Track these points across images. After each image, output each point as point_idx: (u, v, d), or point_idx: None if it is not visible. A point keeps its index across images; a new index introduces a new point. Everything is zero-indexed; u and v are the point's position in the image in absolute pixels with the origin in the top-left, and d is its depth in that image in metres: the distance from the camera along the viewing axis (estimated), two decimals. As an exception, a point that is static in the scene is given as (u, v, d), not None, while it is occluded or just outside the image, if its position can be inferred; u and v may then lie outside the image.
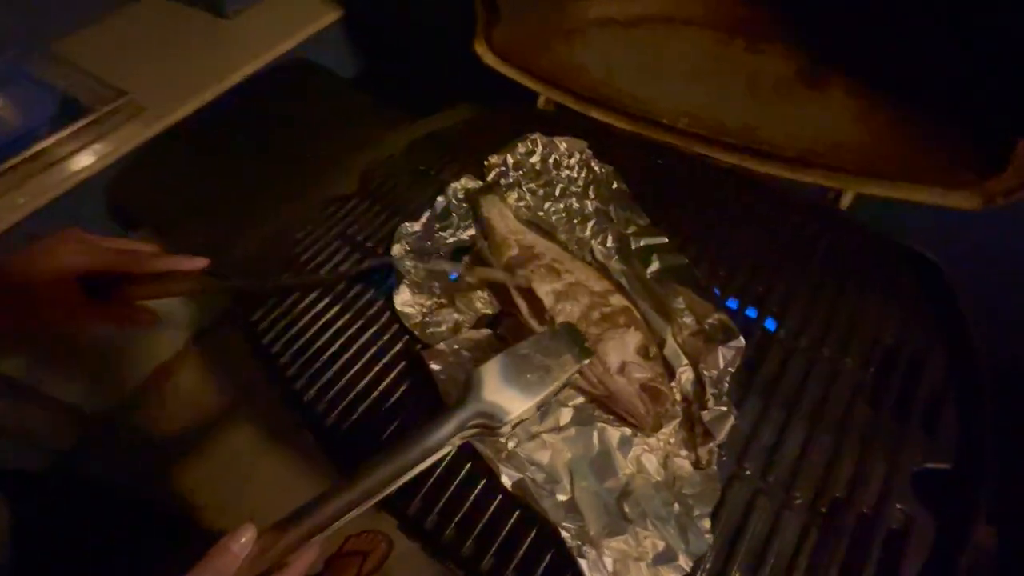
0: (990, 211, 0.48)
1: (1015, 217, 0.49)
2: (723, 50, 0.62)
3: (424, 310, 0.49)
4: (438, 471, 0.41)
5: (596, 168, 0.60)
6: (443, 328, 0.48)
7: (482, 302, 0.50)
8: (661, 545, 0.36)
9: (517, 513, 0.39)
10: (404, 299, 0.49)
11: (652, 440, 0.41)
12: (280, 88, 0.94)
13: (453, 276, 0.51)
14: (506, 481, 0.38)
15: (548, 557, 0.37)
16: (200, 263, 0.42)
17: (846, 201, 0.54)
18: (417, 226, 0.56)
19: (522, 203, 0.58)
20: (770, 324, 0.48)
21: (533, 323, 0.46)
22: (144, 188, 0.84)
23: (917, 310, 0.46)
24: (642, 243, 0.52)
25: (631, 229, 0.54)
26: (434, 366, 0.44)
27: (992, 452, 0.37)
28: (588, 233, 0.56)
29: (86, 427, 1.09)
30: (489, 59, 0.71)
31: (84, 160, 0.81)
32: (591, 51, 0.69)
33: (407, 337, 0.49)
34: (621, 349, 0.42)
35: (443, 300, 0.50)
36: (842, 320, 0.46)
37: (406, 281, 0.50)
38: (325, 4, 1.05)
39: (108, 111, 0.86)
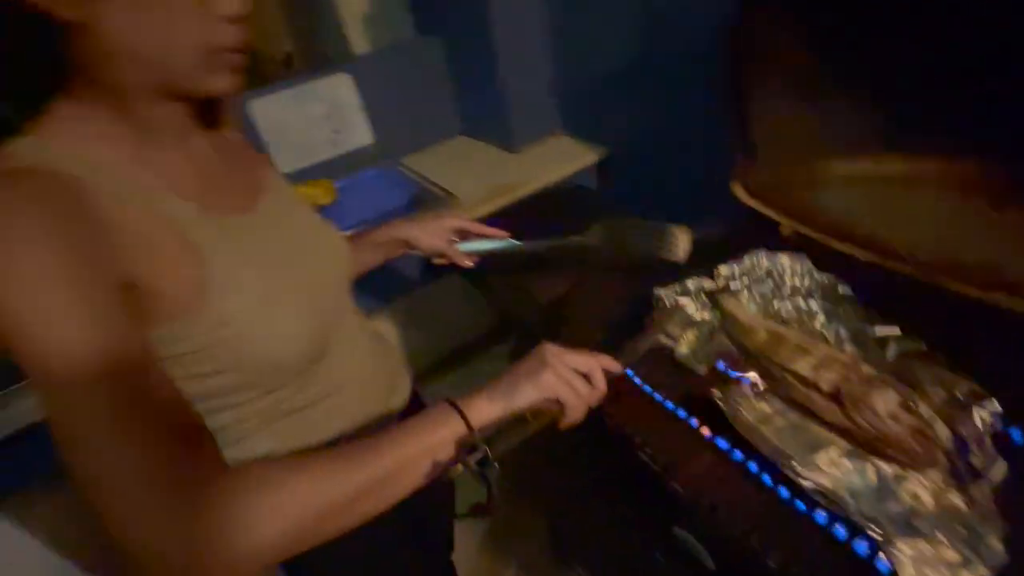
0: None
1: None
2: (963, 206, 0.75)
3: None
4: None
5: (818, 276, 0.71)
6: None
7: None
8: (956, 556, 0.42)
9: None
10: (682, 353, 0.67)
11: (925, 480, 0.49)
12: (559, 203, 1.28)
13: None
14: (808, 485, 0.49)
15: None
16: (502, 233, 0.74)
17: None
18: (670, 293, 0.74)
19: (753, 303, 0.72)
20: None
21: (804, 391, 0.58)
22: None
23: None
24: (876, 333, 0.62)
25: (862, 323, 0.63)
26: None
27: None
28: (819, 326, 0.65)
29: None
30: (743, 196, 0.94)
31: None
32: (833, 197, 0.87)
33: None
34: (887, 401, 0.53)
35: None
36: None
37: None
38: (588, 146, 1.41)
39: (440, 204, 1.26)
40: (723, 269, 0.77)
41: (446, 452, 0.42)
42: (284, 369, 0.47)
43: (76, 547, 1.04)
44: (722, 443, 0.58)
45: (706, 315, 0.72)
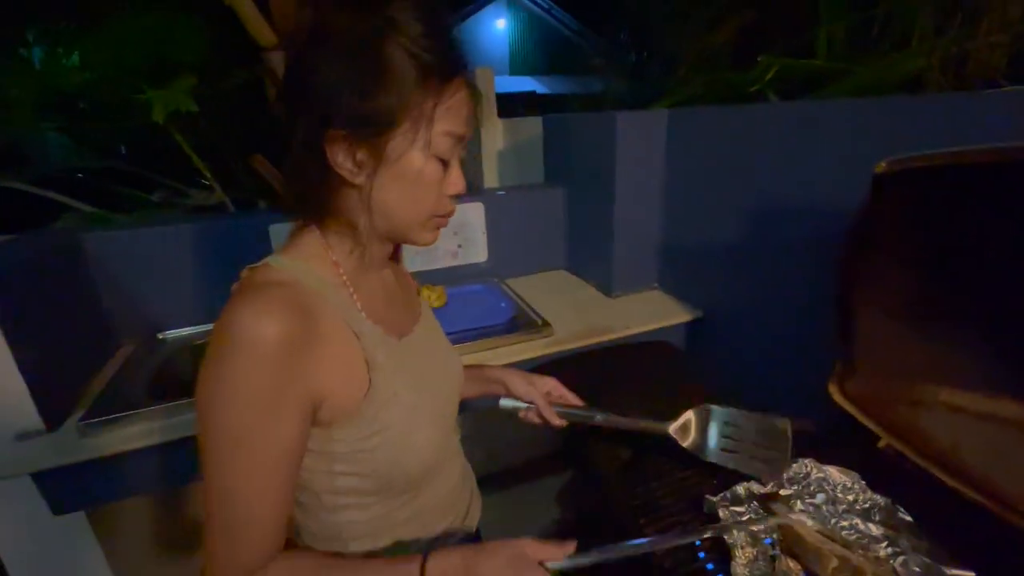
0: None
1: None
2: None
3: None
4: None
5: (873, 496, 0.68)
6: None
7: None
8: None
9: None
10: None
11: None
12: (642, 354, 1.33)
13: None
14: None
15: None
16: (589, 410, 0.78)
17: None
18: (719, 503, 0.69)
19: (805, 515, 0.67)
20: None
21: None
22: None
23: None
24: (952, 573, 0.56)
25: (928, 558, 0.59)
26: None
27: None
28: (883, 554, 0.60)
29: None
30: (838, 398, 0.93)
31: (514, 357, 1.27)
32: (937, 424, 0.84)
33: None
34: None
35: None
36: None
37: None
38: (682, 305, 1.48)
39: (535, 329, 1.35)
40: None
41: None
42: (407, 478, 0.53)
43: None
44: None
45: (761, 526, 0.67)
